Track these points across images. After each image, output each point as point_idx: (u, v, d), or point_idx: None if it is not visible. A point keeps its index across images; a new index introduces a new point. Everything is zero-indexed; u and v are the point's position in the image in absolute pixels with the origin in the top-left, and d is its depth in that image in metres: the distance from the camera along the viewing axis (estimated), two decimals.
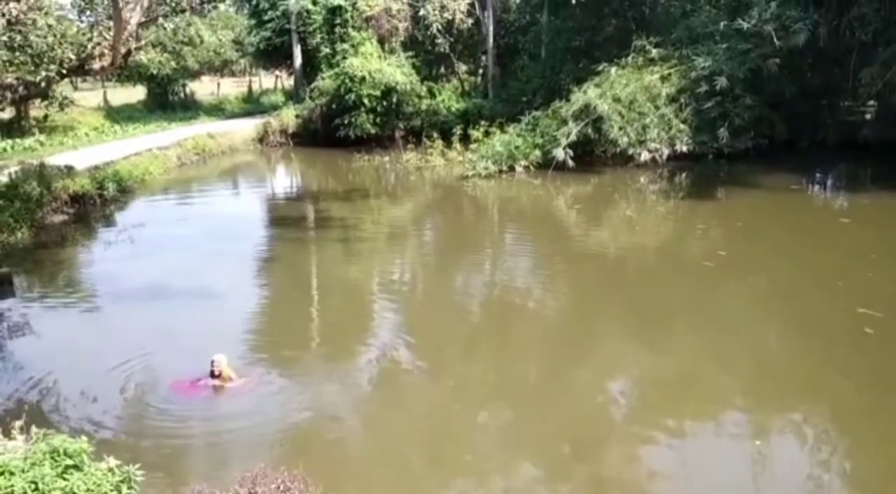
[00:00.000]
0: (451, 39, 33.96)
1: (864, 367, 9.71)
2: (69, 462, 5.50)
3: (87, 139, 29.91)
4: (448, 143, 27.24)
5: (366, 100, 30.52)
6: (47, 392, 9.29)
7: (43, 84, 19.19)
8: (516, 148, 24.82)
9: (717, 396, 9.14)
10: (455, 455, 7.99)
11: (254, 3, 34.36)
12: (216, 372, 9.16)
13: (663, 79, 25.56)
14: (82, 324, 12.16)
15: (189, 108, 40.72)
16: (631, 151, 24.44)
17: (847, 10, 24.70)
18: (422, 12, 32.34)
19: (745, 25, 24.44)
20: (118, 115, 36.03)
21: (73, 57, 19.11)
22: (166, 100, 40.43)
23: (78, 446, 5.64)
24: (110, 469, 5.59)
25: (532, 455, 7.91)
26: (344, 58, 31.49)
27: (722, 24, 25.95)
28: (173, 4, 19.79)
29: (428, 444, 8.22)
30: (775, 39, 23.82)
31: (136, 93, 41.45)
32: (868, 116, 29.65)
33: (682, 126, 24.84)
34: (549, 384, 9.56)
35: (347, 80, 30.42)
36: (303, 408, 8.84)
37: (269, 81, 54.97)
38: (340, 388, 9.51)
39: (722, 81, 24.29)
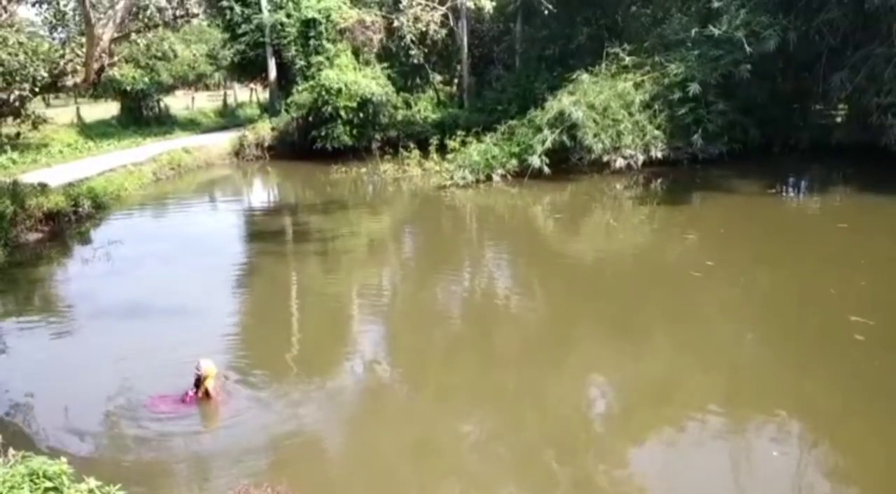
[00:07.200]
0: (426, 50, 34.06)
1: (852, 374, 9.69)
2: (49, 484, 5.41)
3: (60, 156, 29.58)
4: (425, 154, 27.25)
5: (342, 112, 30.46)
6: (25, 413, 9.18)
7: (16, 103, 19.06)
8: (493, 157, 24.85)
9: (705, 404, 9.13)
10: (439, 466, 7.98)
11: (227, 16, 34.20)
12: (202, 377, 9.06)
13: (636, 85, 25.79)
14: (59, 343, 11.99)
15: (164, 123, 40.39)
16: (606, 158, 24.60)
17: (816, 15, 25.11)
18: (396, 24, 32.41)
19: (716, 32, 24.73)
20: (92, 131, 35.58)
21: (45, 74, 19.00)
22: (140, 116, 40.00)
23: (57, 467, 5.56)
24: (91, 491, 5.51)
25: (516, 464, 7.92)
26: (319, 70, 31.42)
27: (693, 30, 26.26)
28: (146, 20, 19.76)
29: (412, 455, 8.19)
30: (746, 45, 24.11)
31: (109, 109, 40.98)
32: (839, 120, 30.12)
33: (656, 132, 25.05)
34: (532, 392, 9.57)
35: (323, 92, 30.36)
36: (286, 422, 8.77)
37: (244, 94, 54.85)
38: (323, 401, 9.47)
39: (694, 87, 24.56)
